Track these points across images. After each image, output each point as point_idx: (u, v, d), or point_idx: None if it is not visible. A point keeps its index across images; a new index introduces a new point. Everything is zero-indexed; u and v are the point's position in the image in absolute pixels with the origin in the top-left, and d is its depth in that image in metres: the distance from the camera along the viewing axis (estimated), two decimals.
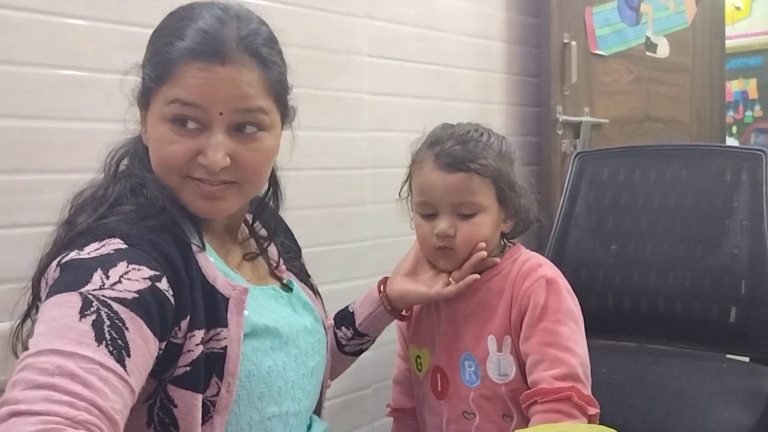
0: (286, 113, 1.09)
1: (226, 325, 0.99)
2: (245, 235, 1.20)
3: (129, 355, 0.83)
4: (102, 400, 0.76)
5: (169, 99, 0.98)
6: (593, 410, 1.15)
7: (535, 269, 1.26)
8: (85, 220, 0.97)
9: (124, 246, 0.92)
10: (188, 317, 0.95)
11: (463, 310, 1.29)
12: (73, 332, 0.80)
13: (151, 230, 0.96)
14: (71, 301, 0.83)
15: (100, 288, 0.85)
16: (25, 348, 0.82)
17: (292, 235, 1.35)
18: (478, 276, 1.26)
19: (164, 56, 0.98)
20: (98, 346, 0.80)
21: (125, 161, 1.06)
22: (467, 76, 2.36)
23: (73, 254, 0.91)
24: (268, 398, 1.03)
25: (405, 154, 1.34)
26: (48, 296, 0.86)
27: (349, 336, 1.39)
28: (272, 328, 1.06)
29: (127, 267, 0.89)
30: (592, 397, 1.17)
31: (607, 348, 1.90)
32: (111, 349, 0.81)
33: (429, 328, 1.35)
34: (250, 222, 1.22)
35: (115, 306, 0.84)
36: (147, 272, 0.90)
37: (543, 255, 2.01)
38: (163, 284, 0.91)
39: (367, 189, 2.08)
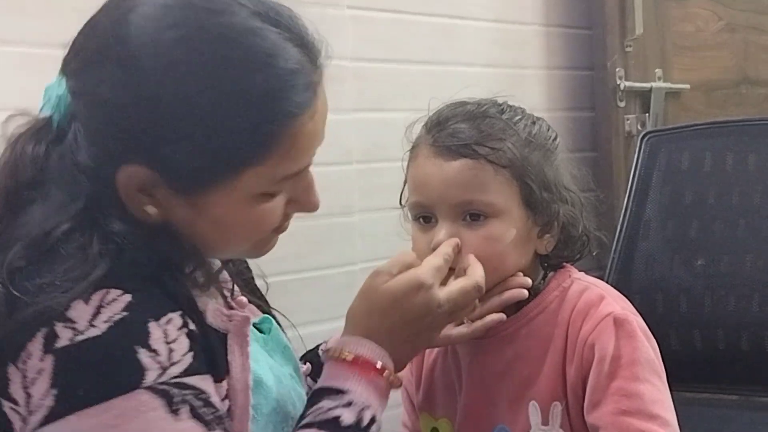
0: None
1: (227, 373, 1.04)
2: None
3: (225, 416, 1.00)
4: None
5: (278, 177, 1.07)
6: None
7: (597, 304, 1.25)
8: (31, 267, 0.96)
9: (129, 297, 0.96)
10: None
11: (494, 365, 1.28)
12: None
13: (133, 265, 1.00)
14: (147, 402, 0.92)
15: (163, 371, 0.94)
16: None
17: None
18: (503, 316, 1.26)
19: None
20: None
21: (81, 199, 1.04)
22: (489, 31, 2.38)
23: (66, 333, 0.92)
24: None
25: (405, 142, 1.34)
26: (79, 405, 0.91)
27: None
28: (267, 385, 1.11)
29: (160, 327, 0.96)
30: None
31: (694, 403, 1.90)
32: (220, 427, 0.97)
33: (447, 390, 1.35)
34: None
35: (189, 380, 0.96)
36: (177, 319, 0.99)
37: (603, 275, 2.04)
38: (191, 324, 1.01)
39: (355, 192, 2.10)
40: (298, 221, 1.95)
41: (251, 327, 1.18)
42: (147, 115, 0.98)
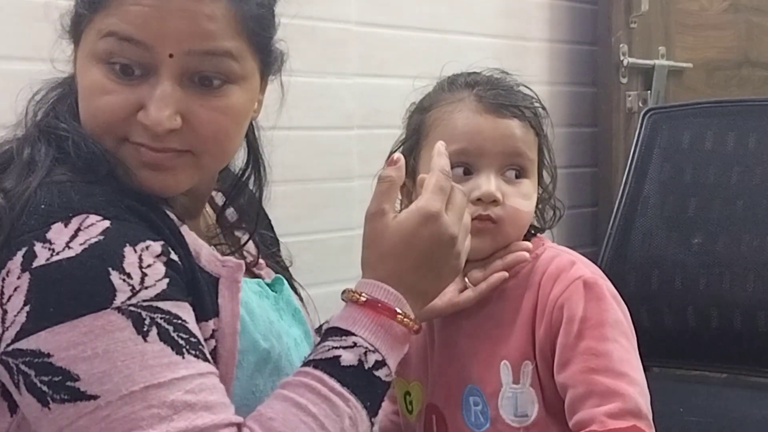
0: (267, 61, 1.13)
1: (216, 315, 1.05)
2: (209, 223, 1.24)
3: (202, 344, 0.99)
4: (227, 411, 0.95)
5: (104, 31, 1.01)
6: None
7: (567, 269, 1.26)
8: (16, 193, 0.98)
9: (107, 222, 0.96)
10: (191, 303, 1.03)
11: (466, 326, 1.29)
12: (150, 356, 0.93)
13: (115, 195, 1.00)
14: (115, 322, 0.93)
15: (134, 293, 0.95)
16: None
17: (271, 223, 1.37)
18: (506, 274, 1.27)
19: None
20: (183, 357, 0.95)
21: (46, 109, 1.08)
22: (494, 1, 2.37)
23: (43, 252, 0.94)
24: None
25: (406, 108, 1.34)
26: (49, 322, 0.92)
27: None
28: (262, 346, 1.11)
29: (136, 252, 0.96)
30: None
31: (684, 380, 1.92)
32: (193, 352, 0.96)
33: (419, 353, 1.35)
34: (221, 206, 1.25)
35: (162, 305, 0.96)
36: (155, 246, 0.99)
37: (599, 251, 2.06)
38: (173, 254, 1.01)
39: (355, 157, 2.09)
40: (296, 186, 1.95)
41: (261, 284, 1.20)
42: None
